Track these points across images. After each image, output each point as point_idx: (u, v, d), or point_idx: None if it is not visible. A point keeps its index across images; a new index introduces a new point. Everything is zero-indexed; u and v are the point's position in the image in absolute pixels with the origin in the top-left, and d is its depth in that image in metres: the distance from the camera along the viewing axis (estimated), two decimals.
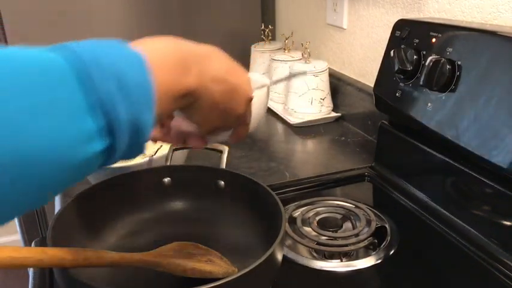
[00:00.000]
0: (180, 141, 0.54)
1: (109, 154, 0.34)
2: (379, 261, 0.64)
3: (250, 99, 0.50)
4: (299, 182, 0.84)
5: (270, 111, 1.21)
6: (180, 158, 0.80)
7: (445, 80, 0.68)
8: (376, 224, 0.69)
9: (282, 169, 0.89)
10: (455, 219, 0.70)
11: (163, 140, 0.54)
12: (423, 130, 0.74)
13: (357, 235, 0.67)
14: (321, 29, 1.24)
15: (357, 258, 0.65)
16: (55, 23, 1.22)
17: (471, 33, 0.68)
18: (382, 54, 0.85)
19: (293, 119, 1.11)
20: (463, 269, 0.64)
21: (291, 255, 0.65)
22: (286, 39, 1.23)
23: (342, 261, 0.64)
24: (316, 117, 1.11)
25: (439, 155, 0.73)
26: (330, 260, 0.64)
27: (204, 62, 0.43)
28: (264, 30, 1.33)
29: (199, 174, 0.68)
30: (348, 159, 0.94)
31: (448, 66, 0.68)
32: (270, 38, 1.34)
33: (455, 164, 0.70)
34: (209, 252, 0.56)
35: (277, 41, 1.40)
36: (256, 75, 1.05)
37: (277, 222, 0.54)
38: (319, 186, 0.85)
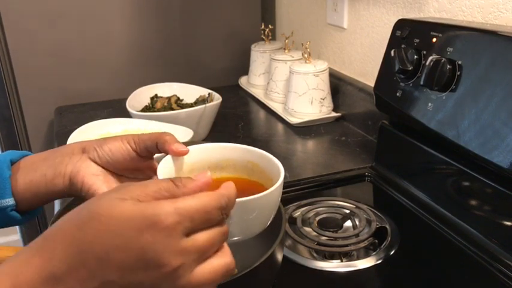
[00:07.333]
0: None
1: None
2: (380, 261, 0.64)
3: None
4: (299, 182, 0.84)
5: (270, 111, 1.21)
6: None
7: (446, 79, 0.68)
8: (377, 224, 0.69)
9: None
10: (456, 219, 0.70)
11: None
12: (424, 130, 0.74)
13: (357, 235, 0.67)
14: (321, 28, 1.24)
15: (357, 258, 0.64)
16: (55, 23, 1.22)
17: (472, 33, 0.68)
18: (383, 54, 0.85)
19: (293, 119, 1.11)
20: (463, 269, 0.63)
21: (291, 255, 0.65)
22: (287, 39, 1.22)
23: (342, 261, 0.64)
24: (316, 117, 1.10)
25: (440, 155, 0.73)
26: (330, 260, 0.64)
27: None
28: (264, 30, 1.33)
29: None
30: (348, 159, 0.94)
31: (448, 66, 0.68)
32: (270, 37, 1.33)
33: (456, 164, 0.70)
34: None
35: (278, 41, 1.40)
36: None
37: (277, 223, 0.54)
38: (319, 186, 0.85)
